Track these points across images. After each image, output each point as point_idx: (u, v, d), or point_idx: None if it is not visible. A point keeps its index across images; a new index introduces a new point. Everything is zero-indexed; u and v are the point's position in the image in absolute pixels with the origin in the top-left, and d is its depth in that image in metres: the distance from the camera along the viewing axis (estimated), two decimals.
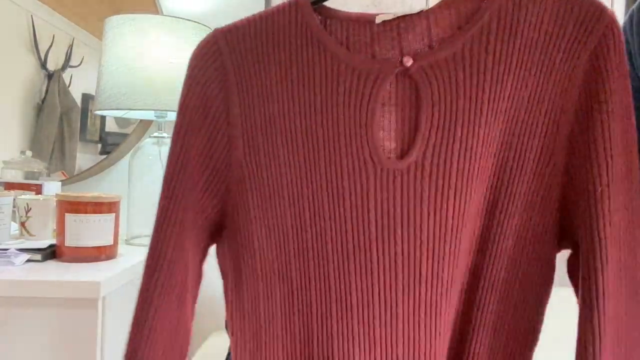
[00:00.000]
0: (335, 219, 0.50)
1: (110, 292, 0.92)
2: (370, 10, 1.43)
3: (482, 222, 0.51)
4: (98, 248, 1.01)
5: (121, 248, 1.21)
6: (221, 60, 0.53)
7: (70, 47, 1.86)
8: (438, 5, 0.50)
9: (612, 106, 0.47)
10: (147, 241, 1.30)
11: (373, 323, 0.50)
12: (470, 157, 0.48)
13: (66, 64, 1.83)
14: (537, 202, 0.50)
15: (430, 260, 0.49)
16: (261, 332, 0.53)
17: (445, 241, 0.49)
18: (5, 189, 1.34)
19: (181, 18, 1.23)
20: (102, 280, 0.87)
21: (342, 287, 0.50)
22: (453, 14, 0.50)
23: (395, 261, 0.49)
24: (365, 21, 0.51)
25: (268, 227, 0.52)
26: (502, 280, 0.51)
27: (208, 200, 0.54)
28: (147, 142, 1.34)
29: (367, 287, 0.50)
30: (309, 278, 0.51)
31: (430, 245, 0.49)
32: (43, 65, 1.69)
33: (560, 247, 0.53)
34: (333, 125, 0.50)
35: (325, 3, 0.58)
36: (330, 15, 0.52)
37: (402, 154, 0.49)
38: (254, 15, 0.54)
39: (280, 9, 0.53)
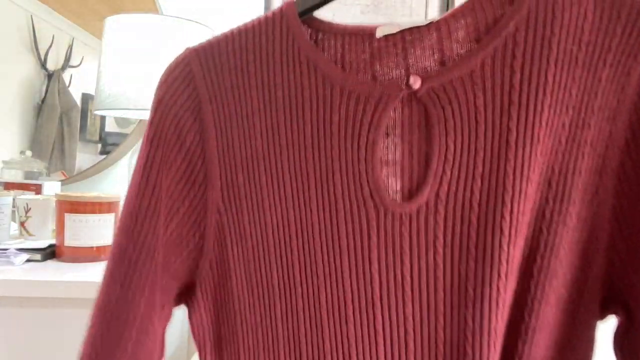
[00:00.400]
0: (330, 275, 0.42)
1: None
2: (368, 13, 1.43)
3: (518, 285, 0.41)
4: (98, 248, 1.01)
5: None
6: (194, 85, 0.45)
7: (70, 47, 1.86)
8: (452, 14, 0.42)
9: None
10: None
11: None
12: (496, 199, 0.39)
13: (66, 64, 1.83)
14: (580, 256, 0.41)
15: (448, 330, 0.40)
16: None
17: (467, 307, 0.39)
18: (5, 189, 1.34)
19: (181, 18, 1.23)
20: None
21: (341, 358, 0.42)
22: (470, 24, 0.41)
23: (405, 328, 0.41)
24: (363, 35, 0.43)
25: (251, 285, 0.44)
26: (540, 358, 0.41)
27: (180, 249, 0.45)
28: None
29: (369, 357, 0.41)
30: (300, 351, 0.43)
31: (448, 311, 0.40)
32: (43, 65, 1.69)
33: (604, 314, 0.43)
34: (326, 160, 0.42)
35: (321, 10, 0.49)
36: (323, 29, 0.44)
37: (411, 195, 0.41)
38: (232, 30, 0.46)
39: (263, 22, 0.45)
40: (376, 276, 0.41)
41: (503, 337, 0.41)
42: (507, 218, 0.39)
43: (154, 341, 0.46)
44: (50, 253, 1.02)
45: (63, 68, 1.80)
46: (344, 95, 0.42)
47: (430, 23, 0.42)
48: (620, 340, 0.42)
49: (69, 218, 0.99)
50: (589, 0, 0.39)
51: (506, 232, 0.39)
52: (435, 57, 0.42)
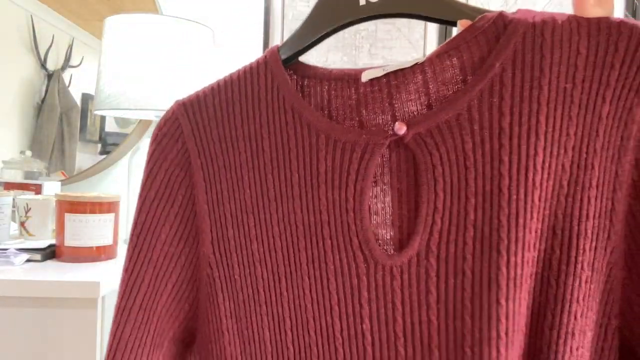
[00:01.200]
0: (321, 332, 0.40)
1: (110, 292, 0.92)
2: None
3: (527, 345, 0.38)
4: (98, 248, 1.01)
5: (121, 248, 1.21)
6: (182, 140, 0.45)
7: (70, 47, 1.86)
8: (436, 54, 0.40)
9: None
10: None
11: None
12: (491, 249, 0.37)
13: (66, 64, 1.83)
14: (599, 310, 0.37)
15: None
16: None
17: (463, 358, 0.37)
18: (5, 189, 1.34)
19: (181, 18, 1.23)
20: (102, 280, 0.87)
21: None
22: (456, 65, 0.40)
23: None
24: (349, 80, 0.42)
25: (243, 341, 0.43)
26: None
27: (179, 307, 0.45)
28: (146, 142, 1.34)
29: None
30: None
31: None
32: (43, 65, 1.69)
33: None
34: (314, 212, 0.41)
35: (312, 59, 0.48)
36: (308, 75, 0.44)
37: (402, 246, 0.40)
38: (218, 82, 0.46)
39: (247, 71, 0.45)
40: (368, 335, 0.39)
41: None
42: (504, 270, 0.36)
43: None
44: (50, 253, 1.02)
45: (63, 68, 1.80)
46: (330, 145, 0.41)
47: (415, 65, 0.41)
48: None
49: (69, 218, 0.99)
50: (581, 34, 0.36)
51: (503, 285, 0.36)
52: (422, 100, 0.40)
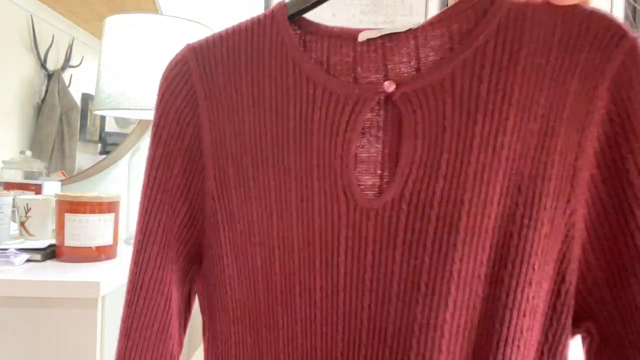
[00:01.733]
0: (304, 262, 0.44)
1: (110, 292, 0.92)
2: (368, 13, 1.43)
3: (485, 292, 0.41)
4: (97, 248, 1.01)
5: (121, 248, 1.21)
6: (191, 82, 0.48)
7: (70, 47, 1.86)
8: (429, 22, 0.44)
9: None
10: None
11: None
12: (456, 198, 0.41)
13: (66, 64, 1.83)
14: (554, 266, 0.41)
15: (397, 323, 0.42)
16: None
17: (417, 302, 0.41)
18: (4, 189, 1.34)
19: (181, 18, 1.23)
20: (102, 280, 0.87)
21: (309, 340, 0.45)
22: (445, 34, 0.43)
23: (361, 319, 0.43)
24: (348, 38, 0.46)
25: (238, 266, 0.47)
26: None
27: (188, 234, 0.50)
28: (146, 142, 1.34)
29: (330, 340, 0.44)
30: (277, 329, 0.46)
31: (400, 305, 0.42)
32: (43, 65, 1.69)
33: (575, 331, 0.43)
34: (306, 156, 0.44)
35: (321, 9, 0.52)
36: (311, 31, 0.47)
37: (380, 191, 0.43)
38: (227, 30, 0.49)
39: (255, 23, 0.48)
40: (342, 267, 0.43)
41: (472, 345, 0.41)
42: (464, 218, 0.40)
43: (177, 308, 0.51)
44: (50, 253, 1.02)
45: (63, 68, 1.80)
46: (325, 96, 0.44)
47: (408, 30, 0.44)
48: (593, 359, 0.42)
49: (69, 218, 0.99)
50: (557, 17, 0.41)
51: (462, 232, 0.40)
52: (412, 63, 0.44)
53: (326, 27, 0.47)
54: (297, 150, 0.45)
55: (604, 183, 0.40)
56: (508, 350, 0.40)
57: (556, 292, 0.41)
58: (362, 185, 0.44)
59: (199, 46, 0.49)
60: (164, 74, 0.49)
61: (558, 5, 0.40)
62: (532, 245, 0.40)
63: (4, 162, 1.48)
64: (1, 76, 1.53)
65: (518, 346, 0.40)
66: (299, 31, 0.47)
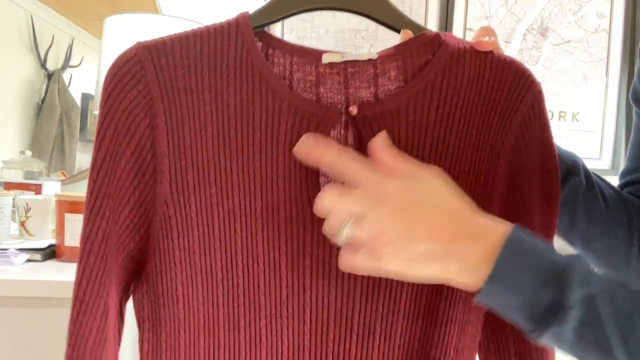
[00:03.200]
0: (270, 265, 0.47)
1: None
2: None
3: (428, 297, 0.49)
4: None
5: None
6: (145, 82, 0.47)
7: (70, 47, 1.86)
8: (387, 54, 0.49)
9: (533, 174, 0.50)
10: None
11: None
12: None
13: (66, 64, 1.83)
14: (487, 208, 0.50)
15: (362, 314, 0.48)
16: None
17: (379, 292, 0.47)
18: (5, 189, 1.34)
19: (181, 18, 1.23)
20: None
21: (273, 339, 0.48)
22: (400, 67, 0.49)
23: (329, 313, 0.47)
24: (310, 58, 0.48)
25: (194, 272, 0.48)
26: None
27: (129, 240, 0.48)
28: None
29: (298, 341, 0.48)
30: (238, 329, 0.48)
31: (364, 297, 0.48)
32: (43, 65, 1.69)
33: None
34: (272, 166, 0.46)
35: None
36: (273, 45, 0.48)
37: None
38: (184, 33, 0.48)
39: (218, 29, 0.48)
40: (308, 269, 0.47)
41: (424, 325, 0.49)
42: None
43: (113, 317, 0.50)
44: (50, 253, 1.02)
45: (63, 68, 1.80)
46: (291, 111, 0.47)
47: (369, 60, 0.49)
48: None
49: (69, 218, 0.99)
50: (487, 61, 0.49)
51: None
52: (371, 89, 0.49)
53: (287, 42, 0.49)
54: (263, 160, 0.46)
55: (508, 196, 0.50)
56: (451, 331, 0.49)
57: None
58: None
59: (154, 46, 0.47)
60: (111, 70, 0.47)
61: (487, 53, 0.49)
62: (476, 193, 0.49)
63: (4, 162, 1.48)
64: (1, 76, 1.53)
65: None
66: (260, 43, 0.48)
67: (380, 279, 0.47)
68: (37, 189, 1.32)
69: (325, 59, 0.48)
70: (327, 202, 0.42)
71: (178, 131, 0.47)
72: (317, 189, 0.46)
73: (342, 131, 0.48)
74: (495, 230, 0.41)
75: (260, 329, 0.48)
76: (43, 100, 1.70)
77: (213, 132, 0.47)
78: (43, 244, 1.06)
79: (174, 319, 0.48)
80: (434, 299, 0.49)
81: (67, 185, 1.57)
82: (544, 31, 1.42)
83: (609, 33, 1.44)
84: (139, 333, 0.51)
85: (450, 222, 0.41)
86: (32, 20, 1.64)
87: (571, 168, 0.57)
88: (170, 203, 0.47)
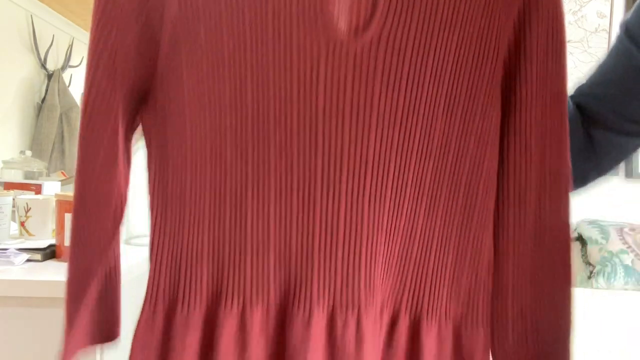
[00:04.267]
0: (280, 94, 0.46)
1: None
2: None
3: (444, 123, 0.49)
4: None
5: (121, 248, 1.21)
6: None
7: (70, 47, 1.85)
8: None
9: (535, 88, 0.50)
10: (146, 241, 1.29)
11: (314, 208, 0.47)
12: (426, 41, 0.47)
13: (66, 64, 1.83)
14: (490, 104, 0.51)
15: (378, 147, 0.47)
16: (185, 213, 0.49)
17: (394, 127, 0.47)
18: (4, 189, 1.34)
19: None
20: None
21: (282, 168, 0.46)
22: None
23: (342, 146, 0.46)
24: None
25: (202, 99, 0.47)
26: (464, 184, 0.50)
27: (137, 61, 0.47)
28: None
29: (309, 169, 0.46)
30: (246, 157, 0.47)
31: (379, 131, 0.47)
32: (43, 65, 1.69)
33: None
34: None
35: None
36: None
37: (357, 31, 0.46)
38: None
39: None
40: (321, 100, 0.46)
41: (428, 165, 0.49)
42: (431, 62, 0.47)
43: (122, 158, 0.51)
44: (50, 253, 1.02)
45: (63, 68, 1.80)
46: None
47: None
48: None
49: (69, 218, 0.99)
50: None
51: (429, 75, 0.47)
52: None
53: None
54: None
55: (504, 82, 0.50)
56: (459, 167, 0.50)
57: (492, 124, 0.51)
58: (339, 25, 0.46)
59: None
60: None
61: None
62: (473, 82, 0.49)
63: (4, 162, 1.48)
64: (1, 76, 1.53)
65: (467, 164, 0.50)
66: None
67: (394, 112, 0.47)
68: (37, 189, 1.32)
69: None
70: None
71: None
72: (331, 18, 0.45)
73: None
74: None
75: (269, 161, 0.47)
76: (43, 100, 1.70)
77: None
78: (43, 244, 1.06)
79: (180, 144, 0.48)
80: (448, 133, 0.49)
81: (67, 185, 1.57)
82: None
83: (609, 33, 1.44)
84: (147, 153, 0.52)
85: None
86: (32, 20, 1.64)
87: None
88: (179, 27, 0.46)
